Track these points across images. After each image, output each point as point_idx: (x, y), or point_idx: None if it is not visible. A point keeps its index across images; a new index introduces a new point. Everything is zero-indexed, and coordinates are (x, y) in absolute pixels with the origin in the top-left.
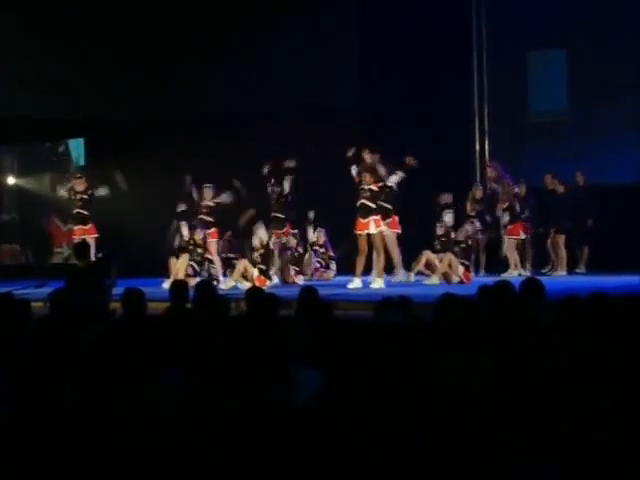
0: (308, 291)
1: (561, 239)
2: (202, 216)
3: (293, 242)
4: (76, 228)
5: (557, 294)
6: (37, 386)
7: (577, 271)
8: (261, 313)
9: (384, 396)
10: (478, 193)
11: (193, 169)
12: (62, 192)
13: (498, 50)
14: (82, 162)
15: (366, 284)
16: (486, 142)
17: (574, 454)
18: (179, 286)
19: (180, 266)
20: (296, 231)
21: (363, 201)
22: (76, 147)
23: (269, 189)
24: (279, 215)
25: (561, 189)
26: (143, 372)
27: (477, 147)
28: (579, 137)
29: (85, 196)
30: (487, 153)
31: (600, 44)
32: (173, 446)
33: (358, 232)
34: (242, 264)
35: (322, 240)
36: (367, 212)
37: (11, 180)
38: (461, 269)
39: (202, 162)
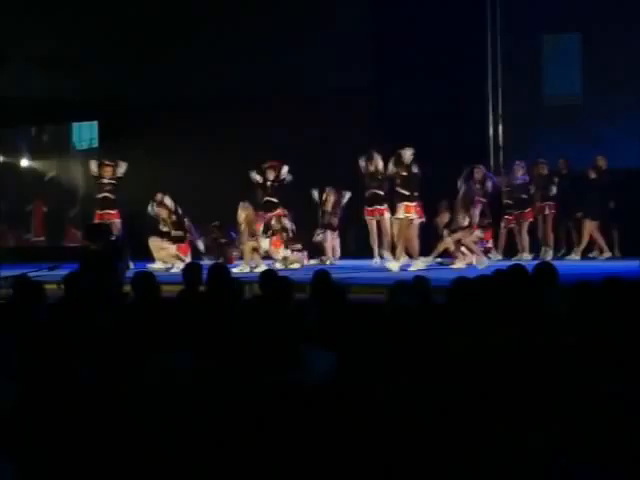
0: (322, 274)
1: (593, 224)
2: None
3: (287, 224)
4: (102, 212)
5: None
6: (52, 369)
7: (603, 256)
8: (274, 296)
9: (397, 379)
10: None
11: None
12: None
13: (513, 33)
14: (95, 144)
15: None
16: (500, 126)
17: (585, 438)
18: (192, 269)
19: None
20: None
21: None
22: (78, 131)
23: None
24: (272, 199)
25: (593, 174)
26: (157, 355)
27: (491, 131)
28: (594, 121)
29: (114, 181)
30: (501, 137)
31: (614, 28)
32: (186, 429)
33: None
34: (248, 246)
35: (332, 200)
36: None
37: (24, 162)
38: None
39: (204, 145)
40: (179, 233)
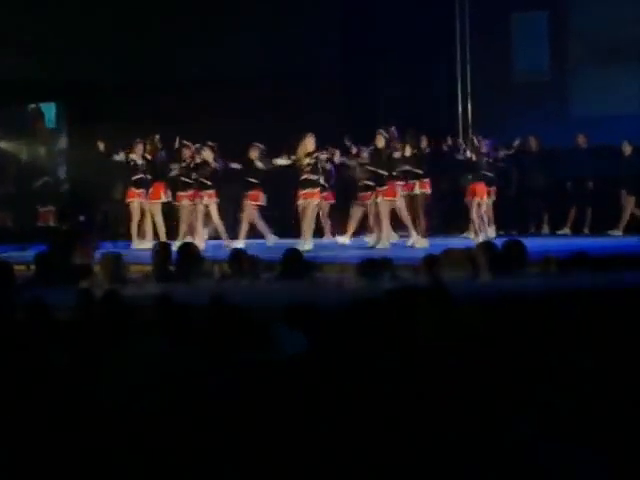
0: (292, 252)
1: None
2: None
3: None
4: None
5: None
6: (23, 352)
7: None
8: (243, 274)
9: (369, 356)
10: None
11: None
12: (119, 157)
13: (481, 12)
14: (52, 125)
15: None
16: (469, 103)
17: (556, 412)
18: (161, 248)
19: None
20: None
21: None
22: (48, 110)
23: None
24: (252, 180)
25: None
26: (127, 339)
27: (460, 109)
28: (561, 98)
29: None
30: (470, 114)
31: (581, 5)
32: (159, 412)
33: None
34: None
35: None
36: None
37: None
38: None
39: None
40: None
